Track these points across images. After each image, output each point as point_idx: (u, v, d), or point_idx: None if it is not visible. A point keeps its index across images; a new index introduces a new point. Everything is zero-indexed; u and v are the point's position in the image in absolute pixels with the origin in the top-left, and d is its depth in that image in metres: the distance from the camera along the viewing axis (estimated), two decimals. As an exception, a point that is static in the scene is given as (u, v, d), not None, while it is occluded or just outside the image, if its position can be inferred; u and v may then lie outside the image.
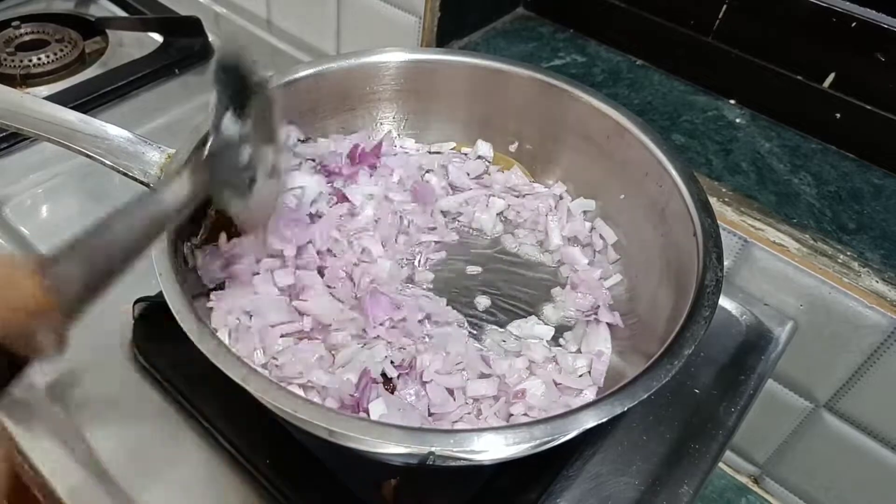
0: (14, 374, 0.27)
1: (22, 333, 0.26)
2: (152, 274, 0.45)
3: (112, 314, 0.59)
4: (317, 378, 0.49)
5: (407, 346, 0.54)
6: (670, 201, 0.56)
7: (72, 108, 0.54)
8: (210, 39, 0.93)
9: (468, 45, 0.87)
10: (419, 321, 0.55)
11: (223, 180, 0.44)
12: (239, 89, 0.44)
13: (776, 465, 0.76)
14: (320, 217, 0.62)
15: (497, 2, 0.90)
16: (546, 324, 0.59)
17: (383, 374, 0.52)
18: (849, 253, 0.63)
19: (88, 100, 0.81)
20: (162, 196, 0.39)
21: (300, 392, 0.49)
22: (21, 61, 0.85)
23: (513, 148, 0.70)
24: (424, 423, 0.50)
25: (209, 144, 0.45)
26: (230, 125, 0.44)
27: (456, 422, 0.51)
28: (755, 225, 0.66)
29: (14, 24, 0.90)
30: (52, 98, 0.75)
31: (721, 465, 0.80)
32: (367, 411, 0.48)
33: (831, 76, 0.70)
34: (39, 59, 0.86)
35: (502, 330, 0.58)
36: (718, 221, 0.53)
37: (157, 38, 0.93)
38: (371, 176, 0.66)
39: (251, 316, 0.54)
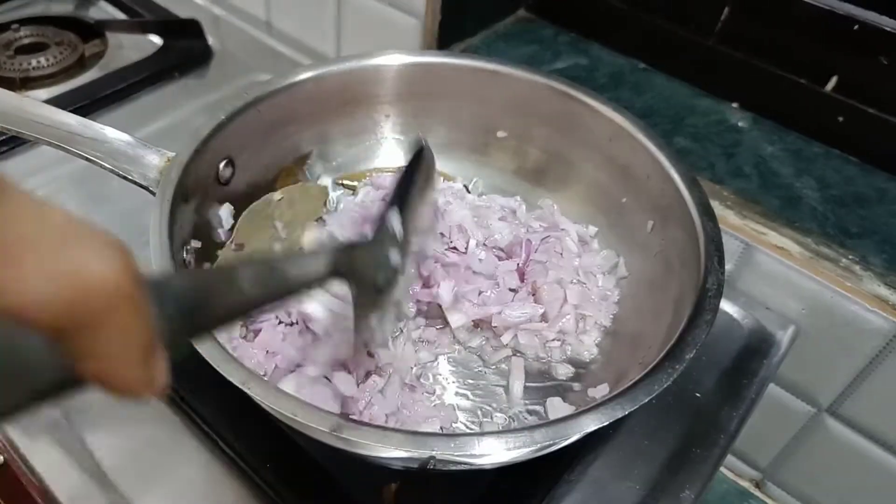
0: (64, 387, 0.20)
1: (87, 324, 0.19)
2: (152, 277, 0.44)
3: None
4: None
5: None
6: (672, 205, 0.56)
7: (71, 111, 0.54)
8: (210, 42, 0.93)
9: (469, 47, 0.87)
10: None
11: (364, 273, 0.39)
12: (411, 187, 0.43)
13: (778, 470, 0.76)
14: None
15: (498, 4, 0.90)
16: None
17: None
18: (851, 257, 0.63)
19: (88, 103, 0.81)
20: (294, 265, 0.33)
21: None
22: (20, 64, 0.85)
23: (511, 149, 0.69)
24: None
25: (374, 231, 0.41)
26: (396, 222, 0.41)
27: None
28: (757, 229, 0.65)
29: (13, 27, 0.90)
30: (51, 101, 0.74)
31: (723, 469, 0.79)
32: None
33: (834, 80, 0.70)
34: (39, 62, 0.86)
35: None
36: (720, 225, 0.52)
37: (157, 40, 0.93)
38: None
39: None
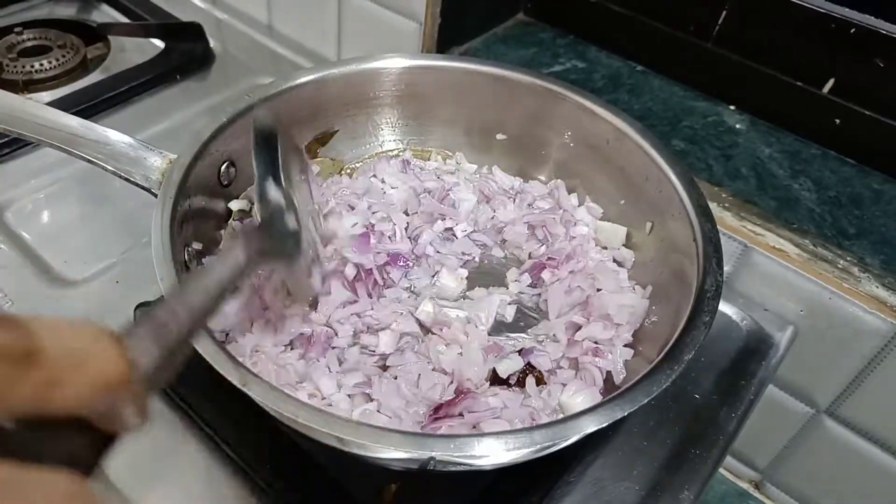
0: (103, 450, 0.26)
1: (107, 408, 0.25)
2: (153, 279, 0.45)
3: (114, 320, 0.59)
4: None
5: None
6: (670, 206, 0.56)
7: (74, 113, 0.54)
8: (211, 45, 0.94)
9: (469, 50, 0.87)
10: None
11: (276, 247, 0.44)
12: (276, 157, 0.46)
13: (777, 471, 0.76)
14: None
15: (497, 8, 0.91)
16: None
17: None
18: (849, 258, 0.63)
19: (90, 105, 0.81)
20: (220, 267, 0.38)
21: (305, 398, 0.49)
22: (23, 67, 0.86)
23: (510, 151, 0.70)
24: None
25: (258, 214, 0.45)
26: (274, 193, 0.45)
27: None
28: (755, 230, 0.66)
29: (16, 30, 0.91)
30: (54, 104, 0.75)
31: (722, 470, 0.80)
32: None
33: (831, 82, 0.71)
34: (42, 64, 0.86)
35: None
36: (718, 226, 0.53)
37: (159, 43, 0.93)
38: None
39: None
